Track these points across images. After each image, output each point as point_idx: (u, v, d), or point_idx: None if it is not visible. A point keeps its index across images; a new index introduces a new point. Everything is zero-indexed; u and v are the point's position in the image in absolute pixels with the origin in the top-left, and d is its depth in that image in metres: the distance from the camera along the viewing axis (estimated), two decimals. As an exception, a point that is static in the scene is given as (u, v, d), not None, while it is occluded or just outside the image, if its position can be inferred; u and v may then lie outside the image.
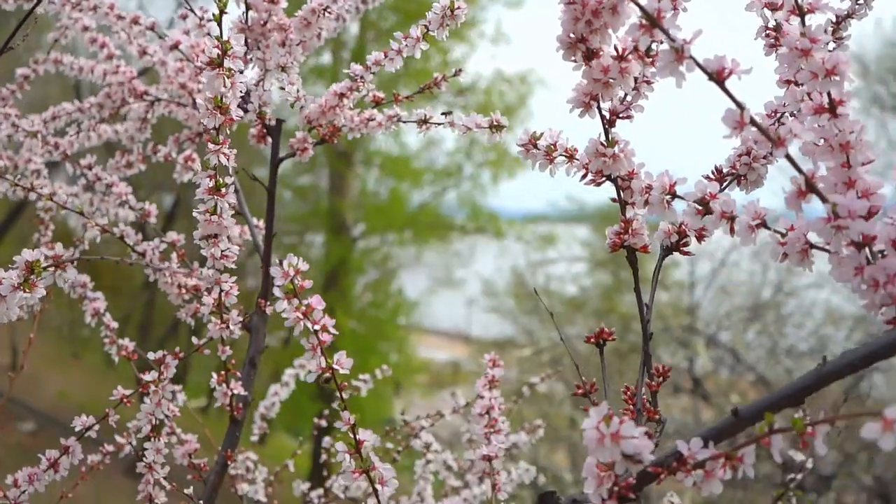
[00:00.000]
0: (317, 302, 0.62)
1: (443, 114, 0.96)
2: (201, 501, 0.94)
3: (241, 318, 0.91)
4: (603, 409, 0.51)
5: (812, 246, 0.54)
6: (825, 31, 0.72)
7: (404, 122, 0.97)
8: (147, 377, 0.90)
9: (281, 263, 0.60)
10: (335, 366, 0.62)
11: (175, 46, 1.06)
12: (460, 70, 1.00)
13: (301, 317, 0.61)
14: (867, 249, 0.52)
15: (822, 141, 0.55)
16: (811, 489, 5.83)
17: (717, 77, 0.50)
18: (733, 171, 0.68)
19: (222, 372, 0.96)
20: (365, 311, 11.33)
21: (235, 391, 0.97)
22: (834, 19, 0.73)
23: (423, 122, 0.94)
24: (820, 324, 7.23)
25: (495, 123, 0.82)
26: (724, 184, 0.68)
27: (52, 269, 0.66)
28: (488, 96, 10.07)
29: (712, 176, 0.68)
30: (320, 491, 1.30)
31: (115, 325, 1.10)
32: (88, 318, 1.11)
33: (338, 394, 0.64)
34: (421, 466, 1.27)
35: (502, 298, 11.00)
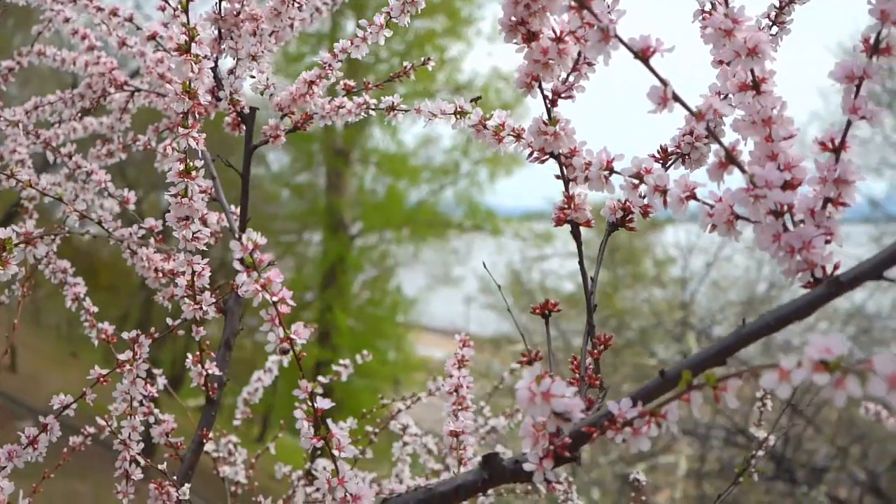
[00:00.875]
0: (275, 275, 0.65)
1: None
2: (175, 476, 0.97)
3: (213, 300, 0.94)
4: (536, 370, 0.53)
5: (738, 217, 0.57)
6: (767, 16, 0.75)
7: (373, 109, 1.00)
8: (122, 357, 0.93)
9: (240, 239, 0.63)
10: (293, 336, 0.65)
11: (152, 37, 1.08)
12: (429, 59, 1.03)
13: (260, 289, 0.64)
14: (787, 218, 0.55)
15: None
16: (803, 482, 5.87)
17: (643, 55, 0.53)
18: (678, 150, 0.71)
19: (197, 353, 0.99)
20: (363, 309, 11.37)
21: (210, 371, 0.99)
22: (778, 4, 0.76)
23: (391, 108, 0.97)
24: (818, 319, 7.28)
25: (459, 110, 0.85)
26: (669, 162, 0.71)
27: (23, 245, 0.69)
28: (485, 94, 10.11)
29: (657, 155, 0.71)
30: (300, 472, 1.33)
31: (94, 309, 1.12)
32: (69, 303, 1.13)
33: (297, 364, 0.67)
34: (399, 448, 1.30)
35: (499, 295, 11.01)
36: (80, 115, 1.24)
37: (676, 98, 0.54)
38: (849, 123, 0.55)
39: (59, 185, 1.23)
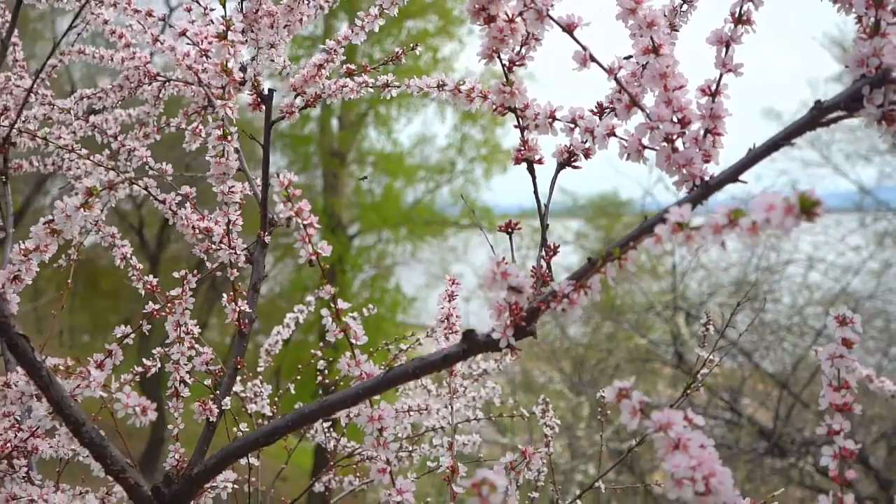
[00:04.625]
0: (305, 205, 0.86)
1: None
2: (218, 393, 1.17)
3: (245, 246, 1.14)
4: (496, 258, 0.74)
5: (644, 146, 0.77)
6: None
7: (371, 87, 1.20)
8: (172, 293, 1.14)
9: (277, 175, 0.84)
10: (319, 250, 0.86)
11: (183, 33, 1.28)
12: (416, 45, 1.23)
13: (294, 214, 0.84)
14: (678, 144, 0.75)
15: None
16: (792, 455, 6.08)
17: (568, 29, 0.74)
18: (611, 105, 0.91)
19: (231, 293, 1.19)
20: (363, 308, 11.53)
21: (242, 308, 1.20)
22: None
23: (386, 85, 1.18)
24: (808, 302, 7.50)
25: (440, 83, 1.05)
26: (604, 114, 0.91)
27: (106, 191, 0.89)
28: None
29: (595, 109, 0.91)
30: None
31: (140, 266, 1.32)
32: (118, 261, 1.33)
33: (322, 272, 0.88)
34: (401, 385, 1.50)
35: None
36: (119, 103, 1.44)
37: (593, 59, 0.74)
38: (721, 75, 0.75)
39: (102, 163, 1.43)
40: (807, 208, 0.50)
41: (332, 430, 1.58)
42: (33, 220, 1.72)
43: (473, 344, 0.80)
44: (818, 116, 0.68)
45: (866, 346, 7.13)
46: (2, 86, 1.45)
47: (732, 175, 0.70)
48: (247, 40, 1.19)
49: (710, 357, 1.31)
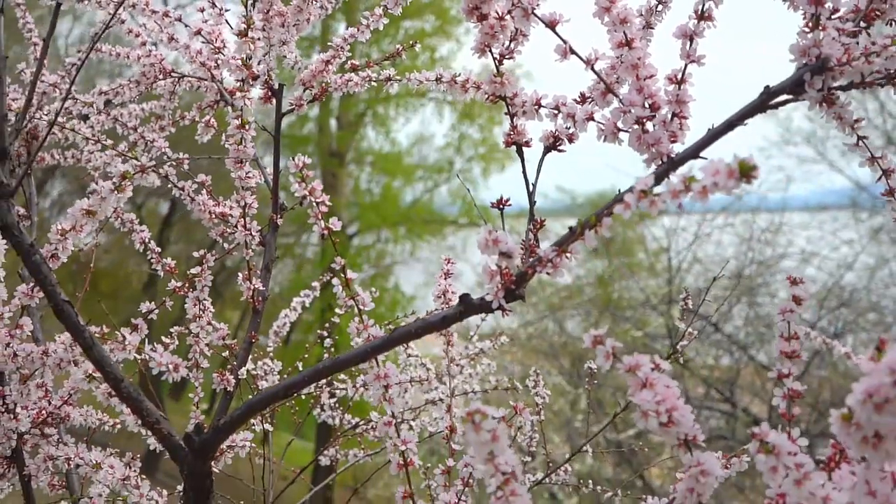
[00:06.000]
0: (317, 185, 0.95)
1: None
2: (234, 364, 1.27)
3: (260, 228, 1.24)
4: (490, 227, 0.83)
5: (619, 129, 0.87)
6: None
7: (374, 81, 1.30)
8: (193, 270, 1.23)
9: (294, 159, 0.94)
10: (330, 225, 0.95)
11: (198, 32, 1.38)
12: (416, 42, 1.33)
13: (307, 194, 0.94)
14: (648, 126, 0.85)
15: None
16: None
17: (551, 25, 0.83)
18: (591, 95, 1.01)
19: (246, 272, 1.29)
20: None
21: (256, 286, 1.29)
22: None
23: (388, 79, 1.27)
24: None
25: (438, 77, 1.15)
26: (585, 103, 1.01)
27: (139, 174, 0.99)
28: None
29: (578, 99, 1.01)
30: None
31: (158, 249, 1.42)
32: (137, 245, 1.43)
33: (333, 246, 0.97)
34: (403, 359, 1.60)
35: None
36: (137, 98, 1.53)
37: (573, 51, 0.84)
38: (686, 65, 0.85)
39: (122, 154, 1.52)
40: (745, 172, 0.60)
41: (338, 405, 1.68)
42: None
43: (469, 306, 0.90)
44: (767, 99, 0.77)
45: (861, 339, 7.23)
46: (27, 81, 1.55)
47: (694, 152, 0.80)
48: (259, 38, 1.28)
49: (690, 330, 1.41)
